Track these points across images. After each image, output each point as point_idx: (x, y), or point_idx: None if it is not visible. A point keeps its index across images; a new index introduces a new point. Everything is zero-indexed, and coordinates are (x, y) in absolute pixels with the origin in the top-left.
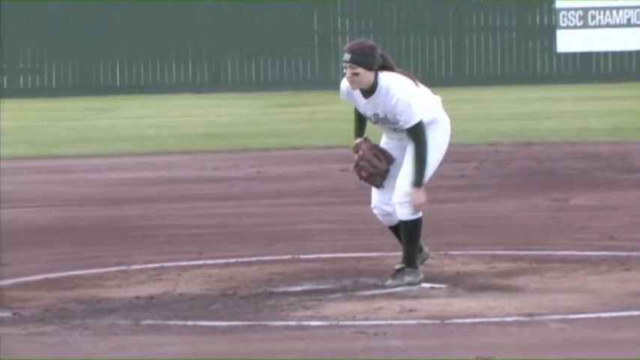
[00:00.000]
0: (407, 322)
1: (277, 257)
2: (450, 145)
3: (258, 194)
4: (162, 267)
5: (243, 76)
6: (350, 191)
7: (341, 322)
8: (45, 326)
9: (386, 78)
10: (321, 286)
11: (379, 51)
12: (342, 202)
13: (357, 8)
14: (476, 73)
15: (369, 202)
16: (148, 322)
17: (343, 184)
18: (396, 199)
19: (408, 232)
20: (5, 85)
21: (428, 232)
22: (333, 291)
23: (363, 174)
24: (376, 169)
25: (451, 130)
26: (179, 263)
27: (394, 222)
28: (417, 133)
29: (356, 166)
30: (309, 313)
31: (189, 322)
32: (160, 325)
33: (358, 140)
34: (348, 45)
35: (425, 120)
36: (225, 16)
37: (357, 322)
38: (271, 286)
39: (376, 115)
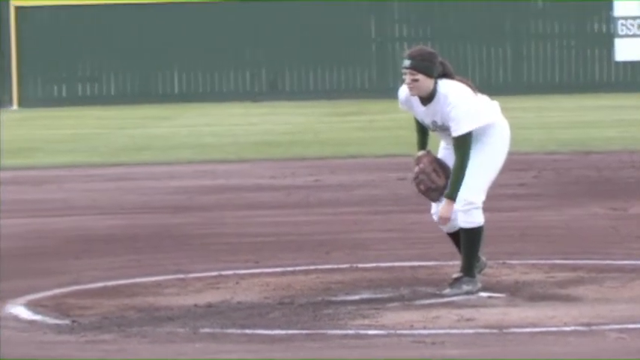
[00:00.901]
0: (465, 331)
1: (335, 266)
2: (509, 153)
3: (316, 202)
4: (220, 275)
5: (300, 85)
6: (408, 200)
7: (399, 331)
8: (103, 334)
9: (445, 85)
10: (379, 295)
11: (439, 58)
12: (400, 210)
13: (415, 15)
14: (534, 81)
15: (427, 211)
16: (206, 330)
17: (401, 193)
18: (459, 206)
19: (468, 240)
20: (65, 94)
21: (486, 241)
22: (391, 300)
23: (422, 187)
24: (434, 185)
25: (510, 137)
26: (237, 271)
27: (454, 229)
28: (462, 145)
29: (415, 178)
30: (367, 321)
31: (247, 331)
32: (217, 333)
33: (421, 153)
34: (408, 51)
35: (482, 124)
36: (283, 25)
37: (415, 331)
38: (329, 295)
39: (434, 122)
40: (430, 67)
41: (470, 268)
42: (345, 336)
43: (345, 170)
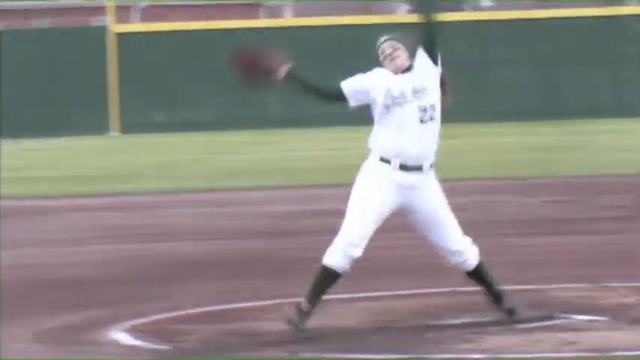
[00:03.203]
0: (567, 354)
1: (436, 290)
2: (609, 175)
3: (411, 226)
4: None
5: None
6: (509, 223)
7: (501, 355)
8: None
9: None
10: (481, 319)
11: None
12: (501, 234)
13: (513, 38)
14: (634, 104)
15: (529, 234)
16: (306, 355)
17: (502, 216)
18: (462, 246)
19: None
20: (165, 120)
21: (586, 263)
22: (492, 323)
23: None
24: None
25: (610, 160)
26: (337, 296)
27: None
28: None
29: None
30: (469, 346)
31: (347, 355)
32: (317, 358)
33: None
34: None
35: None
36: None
37: (517, 355)
38: (431, 319)
39: (414, 88)
40: (409, 47)
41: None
42: None
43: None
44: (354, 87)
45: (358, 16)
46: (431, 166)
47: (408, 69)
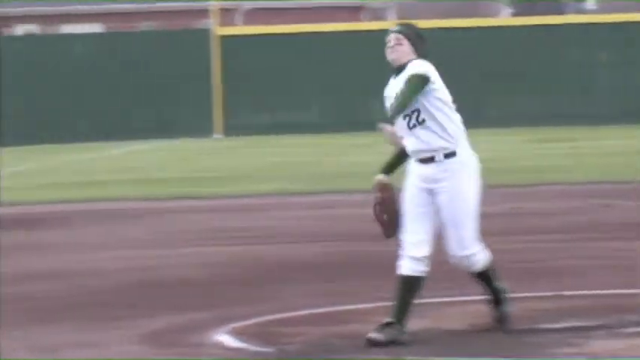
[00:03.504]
0: None
1: (540, 294)
2: None
3: (517, 230)
4: (424, 303)
5: (503, 111)
6: (612, 227)
7: (605, 359)
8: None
9: (415, 61)
10: (585, 323)
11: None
12: (604, 237)
13: (615, 39)
14: None
15: (632, 238)
16: (410, 358)
17: (606, 220)
18: (456, 254)
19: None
20: (270, 122)
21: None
22: (596, 328)
23: (386, 217)
24: (398, 219)
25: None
26: (440, 299)
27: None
28: (412, 80)
29: (380, 204)
30: (573, 350)
31: (451, 359)
32: None
33: (385, 181)
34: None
35: (434, 89)
36: (488, 52)
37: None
38: (534, 323)
39: (397, 93)
40: (417, 42)
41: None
42: None
43: (548, 197)
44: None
45: (459, 19)
46: (447, 155)
47: (404, 66)
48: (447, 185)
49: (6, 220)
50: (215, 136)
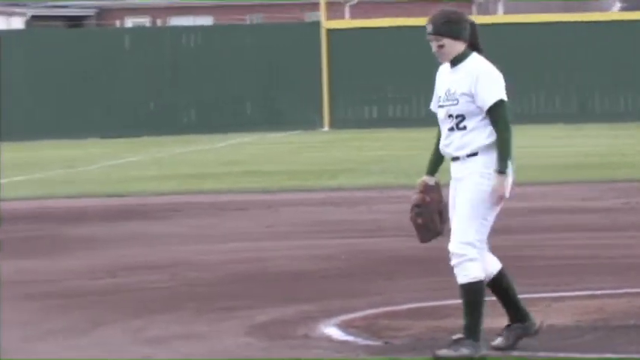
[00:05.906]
0: None
1: None
2: None
3: (626, 225)
4: (531, 298)
5: (610, 107)
6: None
7: None
8: (416, 356)
9: (478, 58)
10: None
11: (465, 18)
12: None
13: None
14: None
15: None
16: (515, 353)
17: None
18: (455, 251)
19: (466, 298)
20: (375, 115)
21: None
22: None
23: (420, 221)
24: (432, 224)
25: None
26: (549, 294)
27: (488, 278)
28: (500, 114)
29: (417, 207)
30: None
31: (560, 354)
32: (529, 357)
33: (431, 182)
34: (431, 15)
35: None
36: (593, 48)
37: None
38: None
39: (448, 91)
40: (456, 28)
41: (473, 329)
42: None
43: None
44: None
45: (567, 13)
46: (471, 155)
47: (459, 59)
48: (465, 182)
49: (120, 211)
50: (323, 129)
